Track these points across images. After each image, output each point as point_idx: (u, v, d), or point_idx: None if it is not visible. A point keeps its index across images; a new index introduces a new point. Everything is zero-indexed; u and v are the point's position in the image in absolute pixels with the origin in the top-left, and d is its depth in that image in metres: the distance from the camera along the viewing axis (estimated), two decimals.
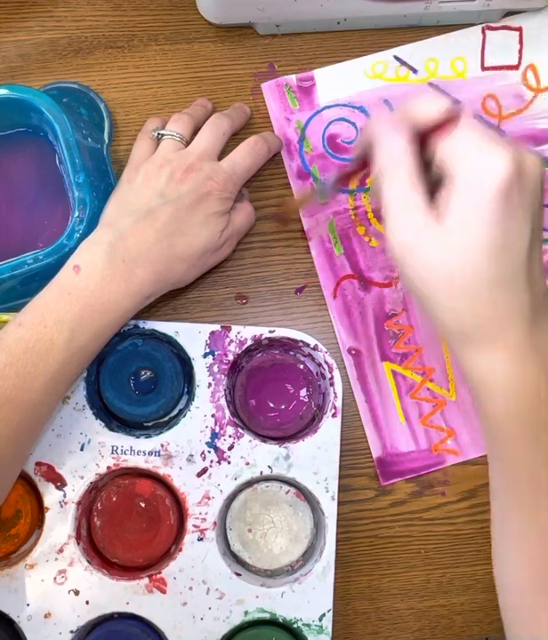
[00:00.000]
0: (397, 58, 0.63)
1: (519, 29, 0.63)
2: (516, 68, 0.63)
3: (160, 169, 0.56)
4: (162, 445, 0.57)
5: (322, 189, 0.56)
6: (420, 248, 0.41)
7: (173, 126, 0.58)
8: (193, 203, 0.55)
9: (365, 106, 0.63)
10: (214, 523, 0.56)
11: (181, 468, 0.57)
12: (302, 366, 0.59)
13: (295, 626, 0.55)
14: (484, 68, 0.63)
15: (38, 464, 0.56)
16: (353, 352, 0.60)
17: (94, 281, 0.52)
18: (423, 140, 0.42)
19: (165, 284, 0.55)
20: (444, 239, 0.40)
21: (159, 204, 0.54)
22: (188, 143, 0.58)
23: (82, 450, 0.56)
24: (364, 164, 0.46)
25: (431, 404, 0.60)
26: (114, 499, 0.57)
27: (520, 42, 0.63)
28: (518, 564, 0.45)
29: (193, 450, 0.57)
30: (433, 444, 0.60)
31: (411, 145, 0.42)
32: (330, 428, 0.57)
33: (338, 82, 0.62)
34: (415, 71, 0.63)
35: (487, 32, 0.63)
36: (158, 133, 0.58)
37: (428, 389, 0.60)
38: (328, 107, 0.63)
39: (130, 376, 0.58)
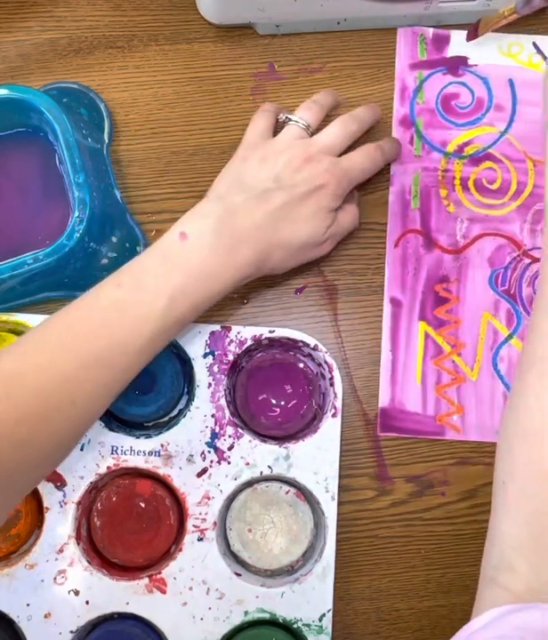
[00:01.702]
0: (534, 44, 0.63)
1: None
2: None
3: (279, 154, 0.55)
4: (162, 445, 0.57)
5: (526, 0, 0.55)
6: None
7: (302, 114, 0.58)
8: (306, 193, 0.54)
9: (489, 79, 0.63)
10: (214, 523, 0.56)
11: (181, 468, 0.57)
12: (302, 366, 0.59)
13: (295, 626, 0.55)
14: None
15: None
16: (394, 302, 0.61)
17: (200, 253, 0.52)
18: None
19: (263, 267, 0.55)
20: None
21: (274, 188, 0.54)
22: (312, 133, 0.58)
23: (82, 450, 0.56)
24: None
25: (450, 376, 0.60)
26: (114, 499, 0.57)
27: None
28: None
29: (193, 450, 0.57)
30: (439, 414, 0.60)
31: None
32: (330, 427, 0.57)
33: (472, 48, 0.63)
34: None
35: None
36: (286, 117, 0.58)
37: (453, 362, 0.60)
38: (454, 68, 0.63)
39: None
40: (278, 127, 0.59)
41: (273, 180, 0.55)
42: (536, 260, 0.62)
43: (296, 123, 0.58)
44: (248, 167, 0.56)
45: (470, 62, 0.63)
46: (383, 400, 0.60)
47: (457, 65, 0.63)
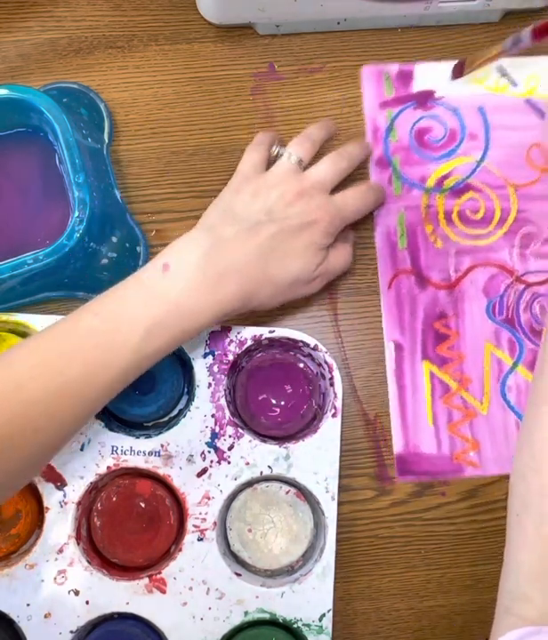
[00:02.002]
0: (500, 68, 0.63)
1: None
2: None
3: (271, 188, 0.55)
4: (162, 445, 0.57)
5: (515, 40, 0.55)
6: None
7: (295, 149, 0.57)
8: (298, 228, 0.54)
9: (459, 109, 0.62)
10: (214, 523, 0.56)
11: (181, 468, 0.57)
12: (302, 366, 0.59)
13: (295, 626, 0.55)
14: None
15: None
16: (396, 346, 0.60)
17: (181, 285, 0.51)
18: None
19: (248, 304, 0.54)
20: None
21: (265, 221, 0.53)
22: (304, 169, 0.57)
23: (82, 450, 0.57)
24: None
25: (461, 413, 0.60)
26: (114, 499, 0.57)
27: None
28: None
29: (193, 450, 0.57)
30: (455, 453, 0.60)
31: None
32: (330, 428, 0.57)
33: (437, 79, 0.62)
34: (515, 85, 0.63)
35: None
36: (279, 151, 0.57)
37: (461, 398, 0.60)
38: (423, 102, 0.62)
39: None
40: (272, 160, 0.58)
41: (265, 213, 0.54)
42: (530, 284, 0.61)
43: (289, 157, 0.57)
44: (240, 199, 0.55)
45: (437, 94, 0.63)
46: (397, 446, 0.60)
47: (425, 99, 0.63)
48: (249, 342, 0.58)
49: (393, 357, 0.60)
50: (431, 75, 0.63)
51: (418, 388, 0.60)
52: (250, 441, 0.57)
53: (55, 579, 0.56)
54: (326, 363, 0.58)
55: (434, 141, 0.62)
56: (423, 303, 0.61)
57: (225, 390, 0.57)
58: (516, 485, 0.48)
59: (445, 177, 0.62)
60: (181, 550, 0.56)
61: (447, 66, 0.63)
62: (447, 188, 0.62)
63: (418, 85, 0.63)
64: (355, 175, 0.60)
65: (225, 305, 0.52)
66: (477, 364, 0.60)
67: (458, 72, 0.62)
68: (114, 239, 0.59)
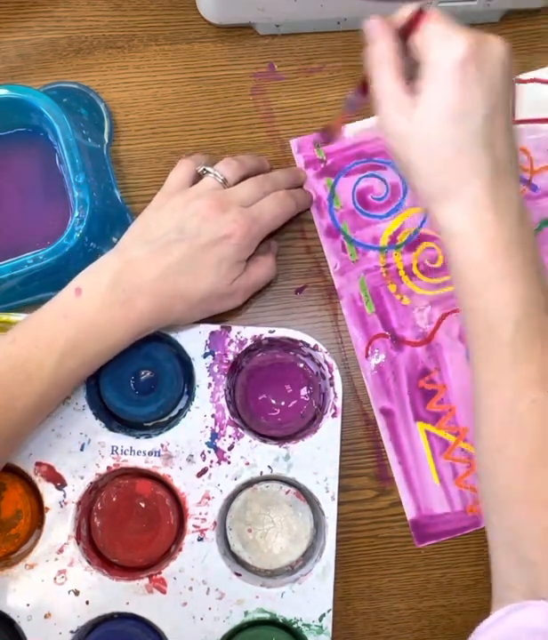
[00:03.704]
0: None
1: None
2: (547, 121, 0.62)
3: (189, 202, 0.55)
4: (162, 445, 0.57)
5: (348, 103, 0.55)
6: (398, 124, 0.48)
7: (221, 168, 0.57)
8: (209, 243, 0.54)
9: (394, 161, 0.62)
10: (214, 523, 0.56)
11: (181, 468, 0.57)
12: (302, 366, 0.59)
13: (295, 626, 0.55)
14: (514, 122, 0.62)
15: (38, 464, 0.56)
16: (385, 413, 0.60)
17: (93, 306, 0.52)
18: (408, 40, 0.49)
19: (164, 320, 0.55)
20: (415, 114, 0.47)
21: (175, 239, 0.54)
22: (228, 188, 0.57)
23: (82, 450, 0.57)
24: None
25: (465, 465, 0.59)
26: (114, 499, 0.57)
27: None
28: (492, 409, 0.48)
29: (193, 450, 0.57)
30: (467, 506, 0.59)
31: (392, 44, 0.49)
32: (330, 428, 0.57)
33: (368, 135, 0.60)
34: None
35: (517, 85, 0.62)
36: (204, 169, 0.57)
37: (462, 450, 0.59)
38: (358, 162, 0.62)
39: (130, 376, 0.58)
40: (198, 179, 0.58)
41: (178, 231, 0.54)
42: None
43: (214, 176, 0.56)
44: (158, 217, 0.55)
45: (371, 151, 0.61)
46: (410, 512, 0.59)
47: (361, 159, 0.61)
48: (249, 342, 0.58)
49: (385, 425, 0.60)
50: (361, 132, 0.61)
51: (417, 450, 0.59)
52: (250, 441, 0.57)
53: (55, 579, 0.56)
54: (326, 363, 0.58)
55: (378, 199, 0.62)
56: (403, 364, 0.60)
57: (225, 390, 0.57)
58: (480, 490, 0.50)
59: (397, 232, 0.61)
60: (181, 550, 0.56)
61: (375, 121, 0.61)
62: (401, 244, 0.61)
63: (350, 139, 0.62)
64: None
65: (138, 323, 0.53)
66: (469, 412, 0.58)
67: (327, 139, 0.60)
68: (114, 239, 0.59)
